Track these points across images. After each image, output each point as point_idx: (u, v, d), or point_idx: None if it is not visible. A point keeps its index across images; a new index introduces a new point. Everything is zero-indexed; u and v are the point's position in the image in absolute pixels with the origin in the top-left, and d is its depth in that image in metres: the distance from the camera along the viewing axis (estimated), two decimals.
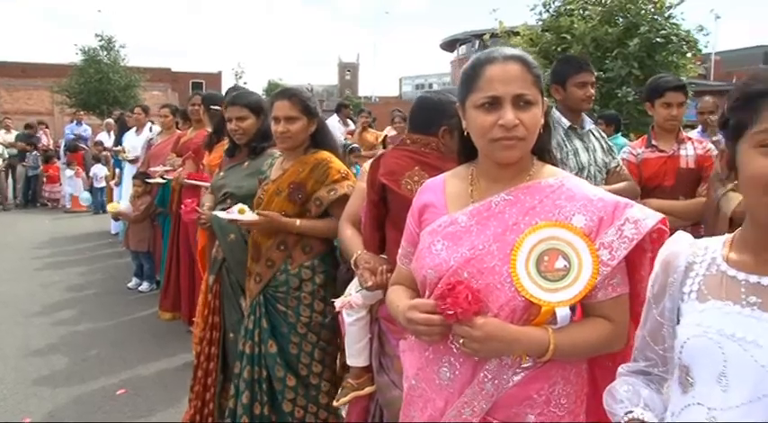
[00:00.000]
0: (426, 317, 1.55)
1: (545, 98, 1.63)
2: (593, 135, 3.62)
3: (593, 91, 3.52)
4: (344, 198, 2.89)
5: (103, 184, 12.33)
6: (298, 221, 2.95)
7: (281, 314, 3.01)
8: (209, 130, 5.10)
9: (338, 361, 3.13)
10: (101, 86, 26.71)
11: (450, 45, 46.22)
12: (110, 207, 7.43)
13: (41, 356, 5.02)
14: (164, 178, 6.19)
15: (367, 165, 2.74)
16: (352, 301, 2.41)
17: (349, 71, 79.50)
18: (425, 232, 1.72)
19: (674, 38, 10.40)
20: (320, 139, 3.11)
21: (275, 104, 2.98)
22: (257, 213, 2.96)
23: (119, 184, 9.59)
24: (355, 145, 8.11)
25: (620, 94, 9.81)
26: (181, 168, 5.43)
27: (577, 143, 3.51)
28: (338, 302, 2.45)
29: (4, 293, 6.77)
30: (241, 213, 2.95)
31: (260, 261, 3.05)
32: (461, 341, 1.52)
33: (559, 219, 1.55)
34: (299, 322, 2.99)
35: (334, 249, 3.12)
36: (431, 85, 74.95)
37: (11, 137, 14.62)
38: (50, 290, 6.97)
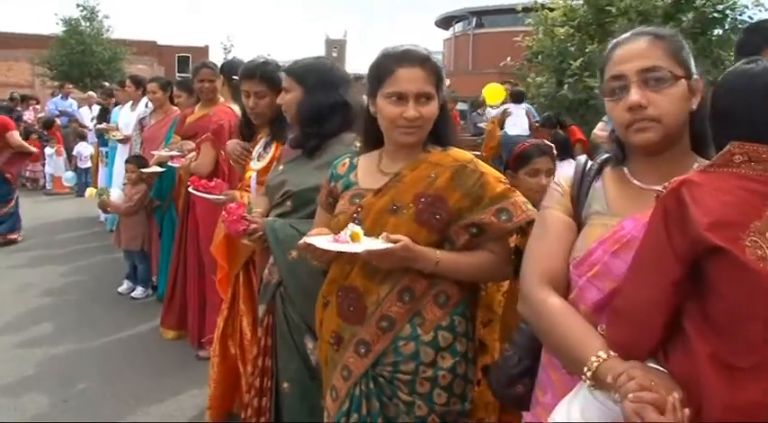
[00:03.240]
0: None
1: None
2: None
3: None
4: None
5: (89, 163, 11.18)
6: (437, 254, 1.86)
7: (406, 405, 1.89)
8: (233, 107, 3.99)
9: None
10: (83, 58, 25.37)
11: (445, 22, 44.60)
12: (88, 193, 6.18)
13: (10, 395, 3.87)
14: (162, 166, 5.08)
15: (566, 180, 1.65)
16: None
17: (336, 48, 77.72)
18: None
19: (729, 12, 9.38)
20: (444, 128, 2.00)
21: (397, 72, 1.86)
22: (383, 237, 1.80)
23: (108, 164, 8.47)
24: None
25: None
26: (192, 154, 4.31)
27: None
28: None
29: None
30: (355, 240, 1.80)
31: (366, 321, 1.93)
32: None
33: None
34: (433, 413, 1.89)
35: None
36: None
37: None
38: (25, 296, 5.79)
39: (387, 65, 1.88)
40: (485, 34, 37.22)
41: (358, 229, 1.81)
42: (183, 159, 4.44)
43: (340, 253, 1.81)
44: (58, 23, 26.25)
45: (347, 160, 2.15)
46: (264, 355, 2.56)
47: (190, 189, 3.50)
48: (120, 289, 5.86)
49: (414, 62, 1.86)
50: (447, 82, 2.01)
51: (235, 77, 3.87)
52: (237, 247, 3.41)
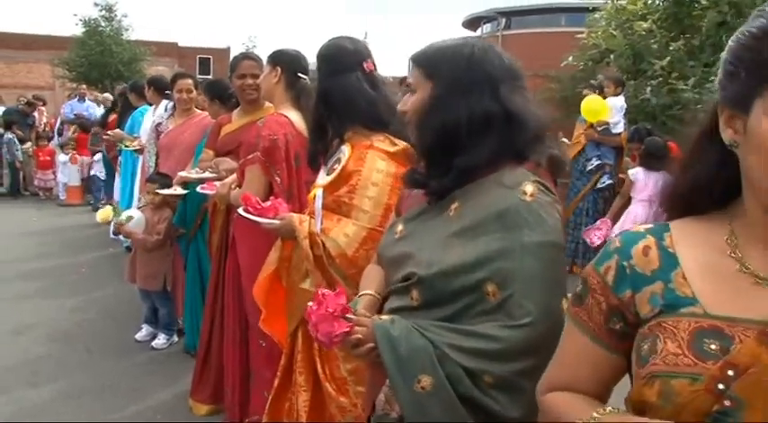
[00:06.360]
0: None
1: None
2: None
3: None
4: None
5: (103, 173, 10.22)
6: None
7: None
8: (290, 115, 2.89)
9: None
10: (102, 59, 24.76)
11: (472, 23, 43.31)
12: (100, 216, 5.09)
13: None
14: (186, 187, 4.02)
15: None
16: None
17: None
18: None
19: None
20: None
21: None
22: None
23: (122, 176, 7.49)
24: None
25: None
26: (232, 177, 3.21)
27: None
28: None
29: None
30: None
31: None
32: None
33: None
34: None
35: None
36: None
37: None
38: (23, 342, 4.72)
39: None
40: (514, 35, 36.09)
41: None
42: (217, 184, 3.35)
43: None
44: (77, 24, 25.96)
45: (650, 240, 1.01)
46: None
47: (239, 210, 2.50)
48: (137, 336, 4.77)
49: None
50: None
51: (302, 76, 2.80)
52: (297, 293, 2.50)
